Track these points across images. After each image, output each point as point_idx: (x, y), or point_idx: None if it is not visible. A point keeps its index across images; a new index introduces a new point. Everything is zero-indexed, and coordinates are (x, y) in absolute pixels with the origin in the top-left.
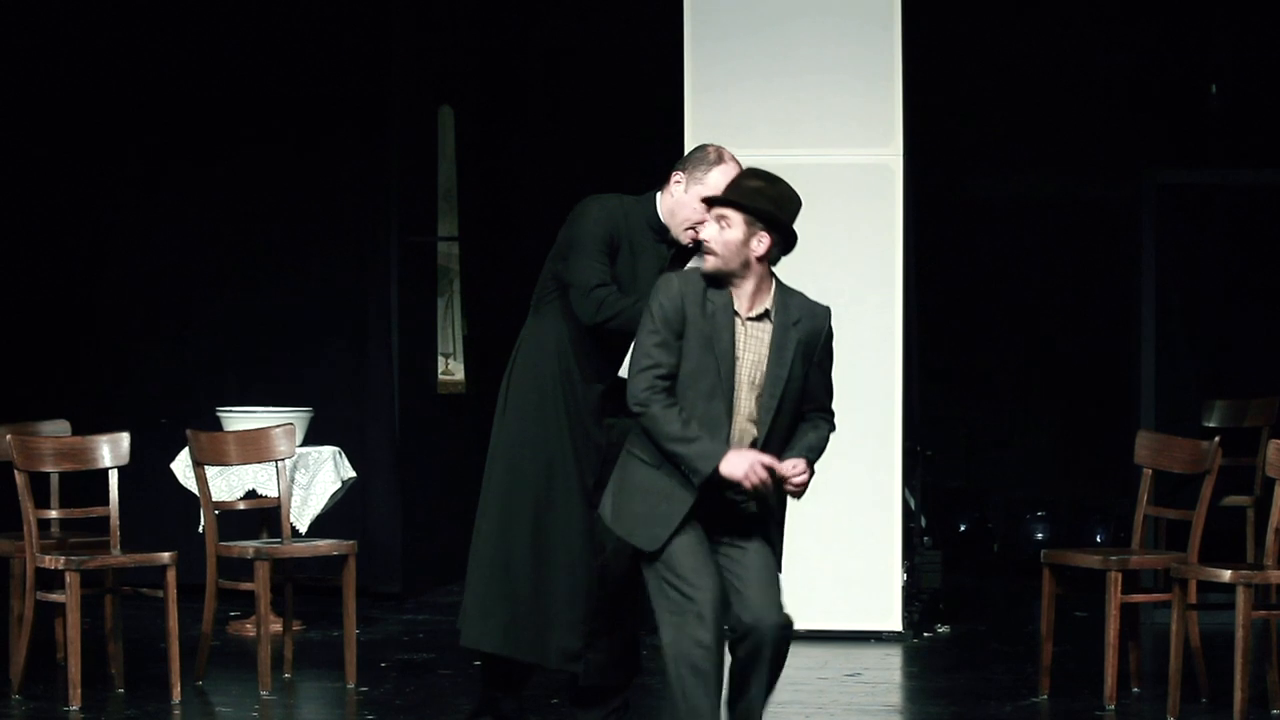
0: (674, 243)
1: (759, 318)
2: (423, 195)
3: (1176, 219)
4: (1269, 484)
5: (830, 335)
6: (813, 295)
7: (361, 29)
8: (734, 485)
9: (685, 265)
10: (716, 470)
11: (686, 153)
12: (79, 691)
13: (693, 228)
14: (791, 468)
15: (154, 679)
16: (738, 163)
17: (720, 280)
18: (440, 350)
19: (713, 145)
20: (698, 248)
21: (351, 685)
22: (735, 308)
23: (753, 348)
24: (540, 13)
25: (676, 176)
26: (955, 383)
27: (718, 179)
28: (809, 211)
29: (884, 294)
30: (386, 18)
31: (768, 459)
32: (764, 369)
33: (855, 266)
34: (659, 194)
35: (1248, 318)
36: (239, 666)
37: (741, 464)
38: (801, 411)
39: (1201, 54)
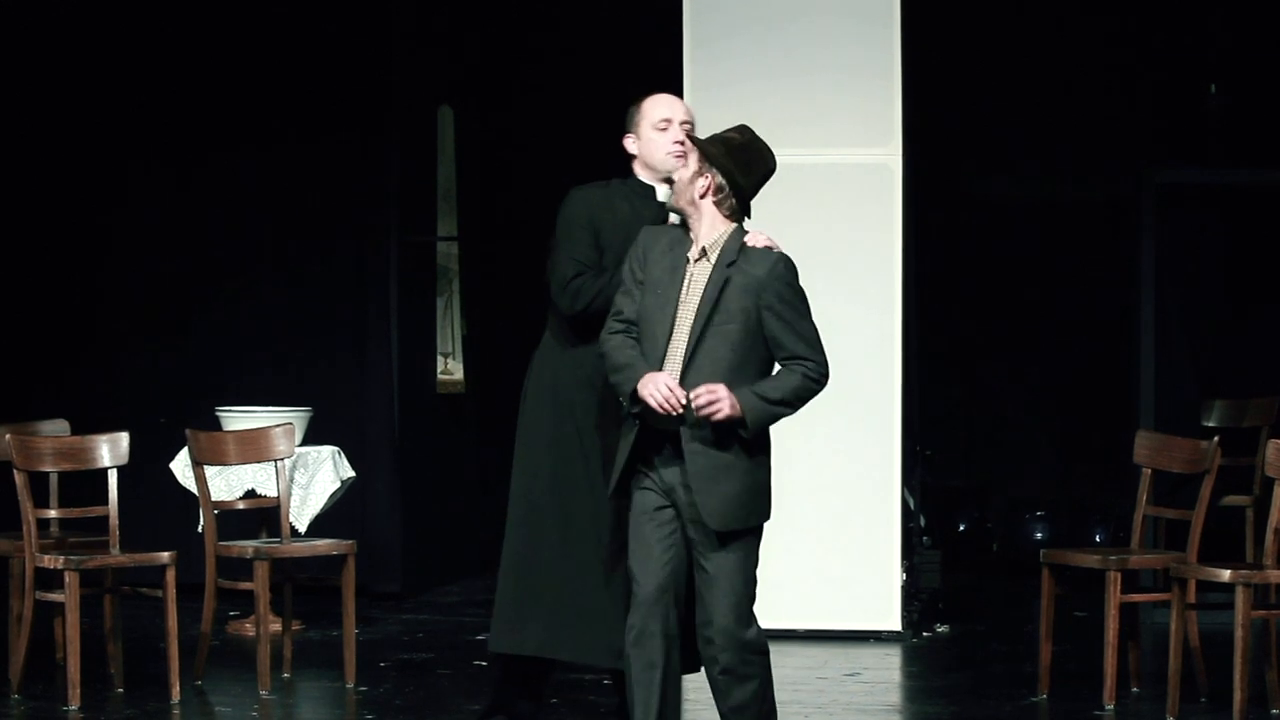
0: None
1: (699, 259)
2: (422, 195)
3: (1176, 219)
4: (1268, 484)
5: (782, 280)
6: (813, 295)
7: (361, 29)
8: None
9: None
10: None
11: None
12: (78, 691)
13: (668, 153)
14: (701, 391)
15: (153, 679)
16: (671, 96)
17: (683, 221)
18: (440, 350)
19: None
20: None
21: (351, 685)
22: (688, 253)
23: (695, 290)
24: (540, 13)
25: (628, 140)
26: (955, 383)
27: (649, 105)
28: (809, 211)
29: (884, 294)
30: (386, 18)
31: (672, 380)
32: (705, 313)
33: (855, 266)
34: (635, 170)
35: (1248, 318)
36: (238, 666)
37: (646, 383)
38: (777, 360)
39: (1201, 54)
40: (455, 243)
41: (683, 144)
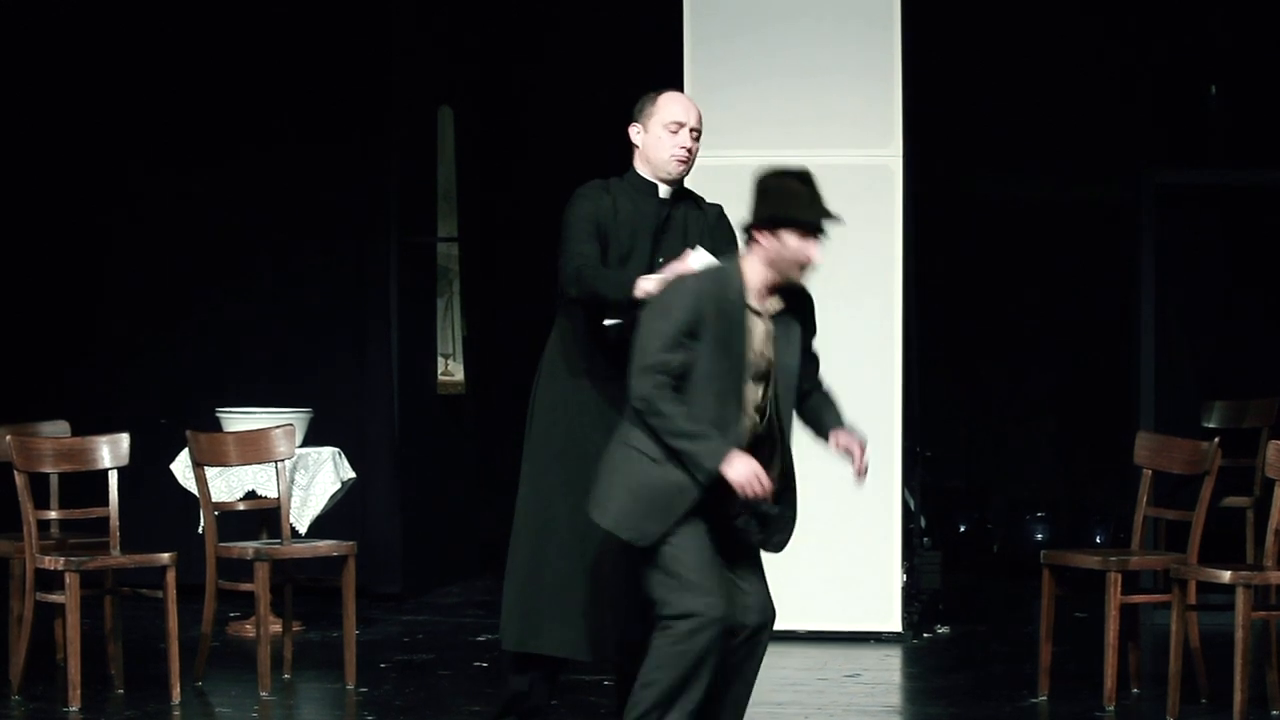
0: (672, 195)
1: (769, 310)
2: (422, 196)
3: (1176, 219)
4: (1268, 485)
5: (815, 314)
6: (813, 295)
7: (361, 29)
8: (736, 500)
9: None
10: (719, 471)
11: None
12: (79, 692)
13: (674, 154)
14: (858, 447)
15: (154, 679)
16: (687, 98)
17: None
18: (440, 351)
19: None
20: (679, 196)
21: (351, 686)
22: (748, 301)
23: (764, 341)
24: (540, 13)
25: (633, 130)
26: (955, 383)
27: (665, 104)
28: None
29: (884, 294)
30: (386, 18)
31: (765, 477)
32: (773, 360)
33: (855, 267)
34: (634, 162)
35: (1248, 318)
36: (238, 667)
37: (744, 470)
38: (803, 389)
39: (1201, 54)
40: (455, 243)
41: (690, 151)
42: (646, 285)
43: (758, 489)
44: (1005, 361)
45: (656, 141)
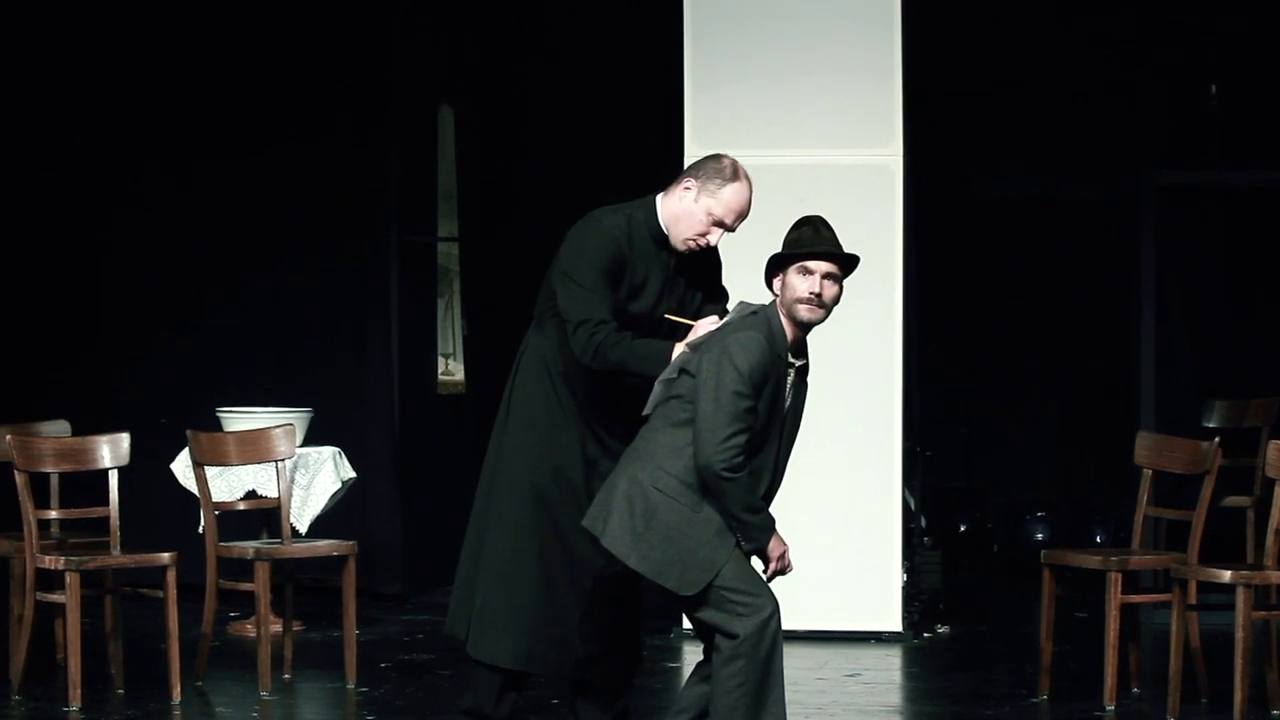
0: (675, 251)
1: (797, 364)
2: (423, 195)
3: (1176, 219)
4: (1269, 484)
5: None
6: None
7: (361, 28)
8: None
9: (683, 277)
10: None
11: (699, 159)
12: (79, 691)
13: (693, 239)
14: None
15: (154, 679)
16: (749, 181)
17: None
18: (440, 350)
19: (728, 158)
20: (693, 257)
21: (351, 685)
22: (791, 359)
23: (785, 399)
24: (540, 13)
25: (687, 183)
26: (955, 382)
27: (729, 197)
28: (809, 212)
29: (884, 294)
30: (386, 18)
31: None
32: (792, 413)
33: None
34: (660, 197)
35: (1248, 318)
36: (239, 667)
37: (780, 552)
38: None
39: (1201, 54)
40: (455, 243)
41: (708, 246)
42: (681, 349)
43: (787, 566)
44: (1005, 361)
45: (693, 218)
